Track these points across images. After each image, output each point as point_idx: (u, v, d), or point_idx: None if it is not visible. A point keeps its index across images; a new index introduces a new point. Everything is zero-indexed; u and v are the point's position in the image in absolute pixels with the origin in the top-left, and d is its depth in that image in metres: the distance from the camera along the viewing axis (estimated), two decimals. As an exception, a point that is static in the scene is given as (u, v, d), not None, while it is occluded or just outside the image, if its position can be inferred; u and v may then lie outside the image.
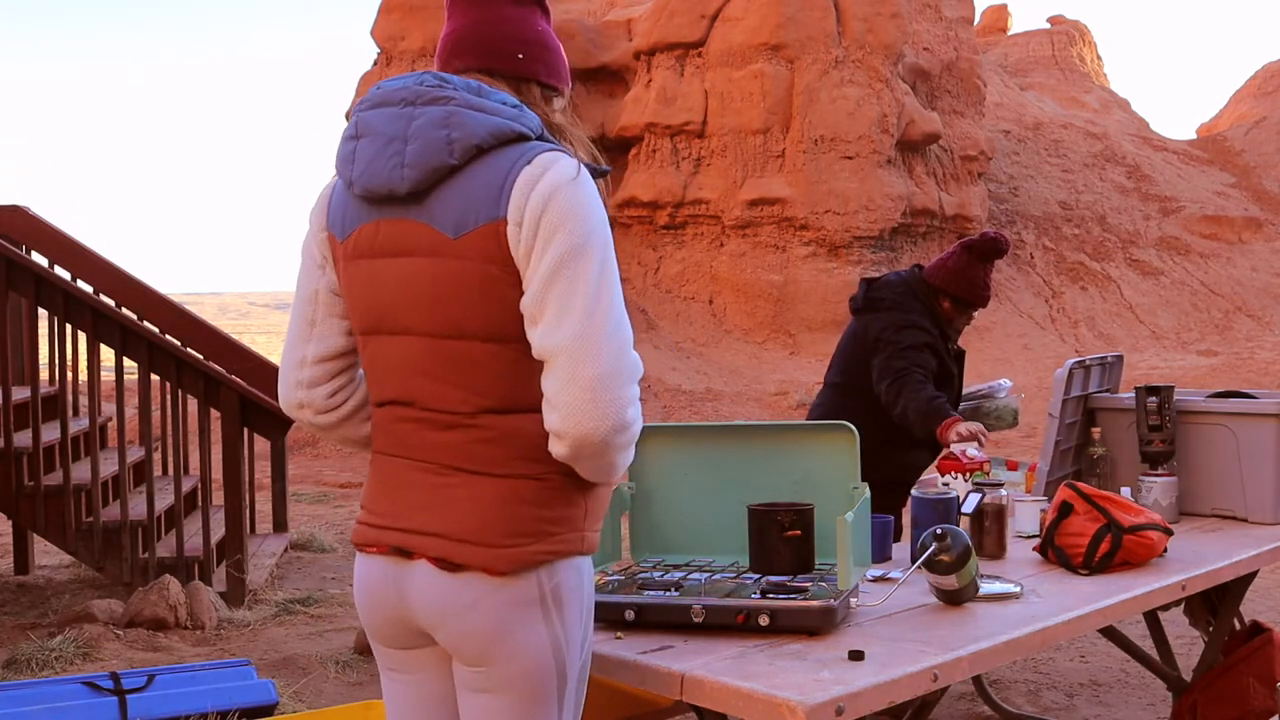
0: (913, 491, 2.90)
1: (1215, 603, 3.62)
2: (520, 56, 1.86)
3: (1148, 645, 3.89)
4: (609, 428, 1.66)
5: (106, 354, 5.86)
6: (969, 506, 2.91)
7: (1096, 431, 3.62)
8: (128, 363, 5.74)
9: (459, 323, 1.75)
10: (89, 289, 6.22)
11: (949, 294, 4.08)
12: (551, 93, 1.93)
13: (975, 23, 27.98)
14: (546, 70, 1.89)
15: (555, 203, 1.69)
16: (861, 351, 4.09)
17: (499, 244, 1.71)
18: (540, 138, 1.78)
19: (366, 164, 1.78)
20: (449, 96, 1.76)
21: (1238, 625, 3.77)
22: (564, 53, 1.97)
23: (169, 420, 6.52)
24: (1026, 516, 3.23)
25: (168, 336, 6.18)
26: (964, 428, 3.72)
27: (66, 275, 6.39)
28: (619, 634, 2.26)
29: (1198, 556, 2.97)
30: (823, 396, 4.28)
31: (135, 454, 6.33)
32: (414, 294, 1.77)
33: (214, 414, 5.82)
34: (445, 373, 1.78)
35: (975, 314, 4.13)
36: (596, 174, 1.81)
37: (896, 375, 3.91)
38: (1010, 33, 40.01)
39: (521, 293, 1.72)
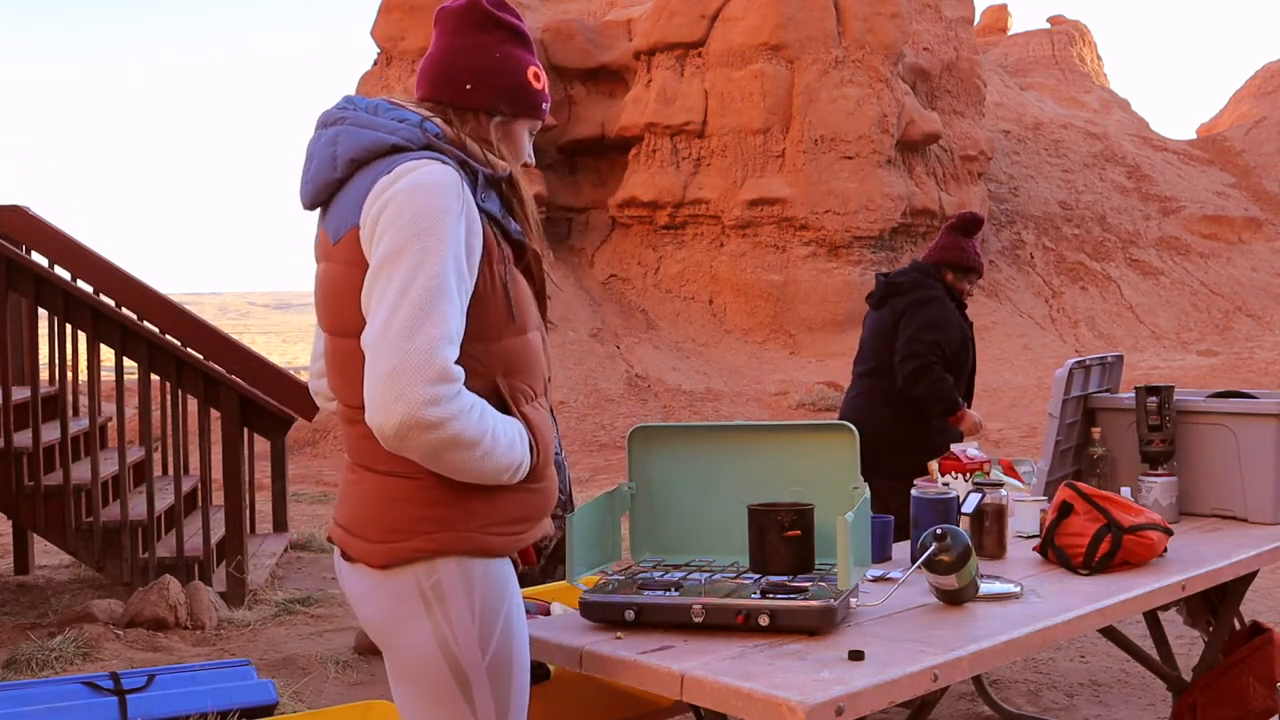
0: (913, 492, 2.90)
1: (1215, 603, 3.62)
2: (468, 88, 2.00)
3: (1148, 645, 3.89)
4: (399, 421, 1.74)
5: (106, 354, 5.86)
6: (969, 506, 2.90)
7: (1096, 431, 3.62)
8: (128, 363, 5.74)
9: (341, 321, 1.91)
10: (89, 289, 6.22)
11: (948, 266, 4.53)
12: (500, 117, 2.02)
13: (975, 23, 27.98)
14: (495, 97, 2.01)
15: (389, 208, 1.82)
16: (891, 339, 4.43)
17: (356, 249, 1.86)
18: (428, 147, 1.90)
19: (301, 181, 2.01)
20: (343, 117, 1.95)
21: (1237, 625, 3.77)
22: (527, 74, 2.04)
23: (169, 420, 6.52)
24: (1026, 516, 3.23)
25: (168, 336, 6.18)
26: (972, 424, 4.40)
27: (66, 275, 6.39)
28: (619, 634, 2.26)
29: (1198, 556, 2.97)
30: (860, 385, 4.58)
31: (135, 454, 6.33)
32: (320, 295, 1.98)
33: (214, 414, 5.82)
34: (340, 367, 1.95)
35: (977, 281, 4.63)
36: (492, 180, 1.94)
37: (919, 363, 4.33)
38: (1010, 33, 39.99)
39: None
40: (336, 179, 1.92)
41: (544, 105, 2.06)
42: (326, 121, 1.98)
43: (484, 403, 1.86)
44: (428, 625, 1.88)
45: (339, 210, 1.91)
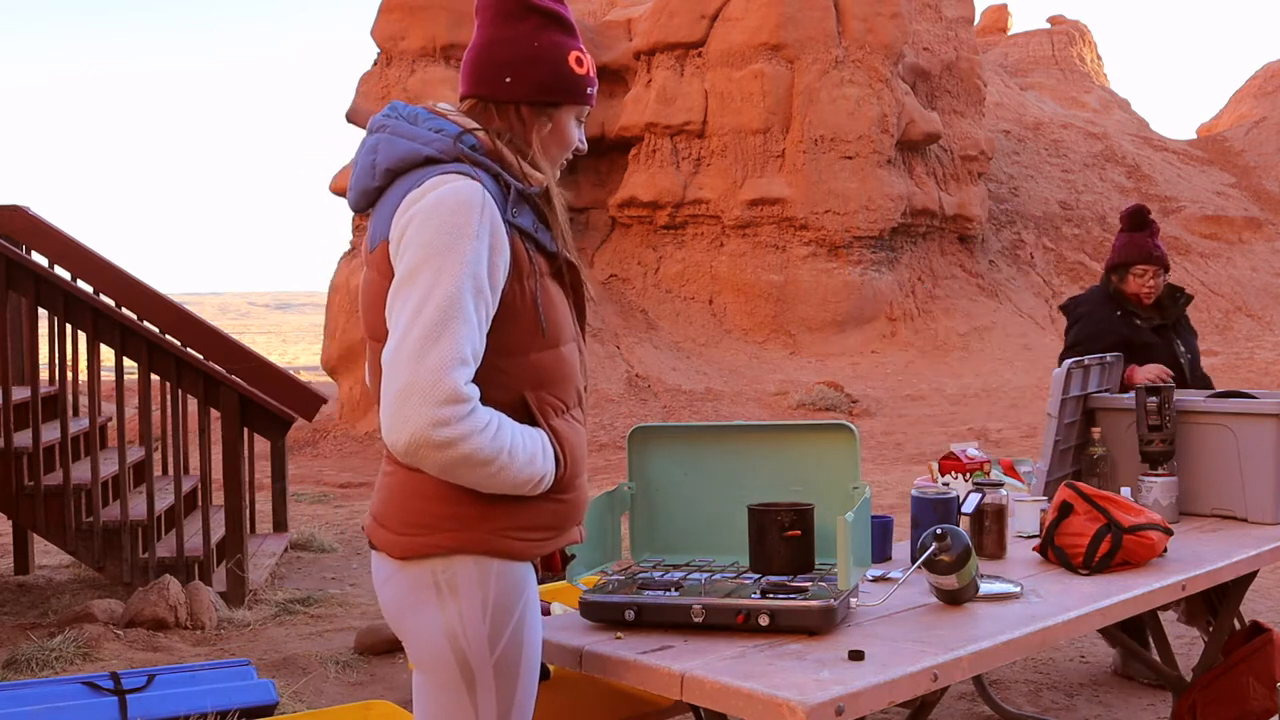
0: (912, 492, 2.90)
1: (1215, 603, 3.62)
2: (507, 80, 1.98)
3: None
4: (409, 440, 1.77)
5: (106, 354, 5.86)
6: (969, 506, 2.90)
7: (1096, 431, 3.62)
8: (128, 363, 5.74)
9: (374, 327, 1.94)
10: (89, 289, 6.22)
11: (1109, 269, 4.50)
12: (543, 109, 2.00)
13: (975, 23, 27.96)
14: (535, 88, 1.98)
15: (412, 225, 1.83)
16: None
17: (387, 259, 1.88)
18: (461, 158, 1.89)
19: (349, 186, 2.03)
20: (385, 125, 1.96)
21: (1237, 625, 3.77)
22: (569, 60, 2.00)
23: (169, 420, 6.52)
24: (1026, 516, 3.23)
25: (168, 336, 6.18)
26: (1145, 371, 4.13)
27: (66, 275, 6.39)
28: (619, 634, 2.26)
29: (1198, 556, 2.97)
30: None
31: (135, 454, 6.33)
32: (359, 299, 2.01)
33: (214, 414, 5.82)
34: (377, 369, 1.95)
35: (1149, 271, 4.38)
36: (524, 194, 1.93)
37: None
38: (1010, 33, 39.96)
39: None
40: (375, 187, 1.95)
41: (589, 90, 2.03)
42: (371, 128, 2.00)
43: (502, 419, 1.86)
44: (439, 616, 1.91)
45: (377, 219, 1.94)
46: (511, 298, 1.89)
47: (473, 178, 1.86)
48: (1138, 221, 4.46)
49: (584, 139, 2.09)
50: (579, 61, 2.01)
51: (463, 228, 1.81)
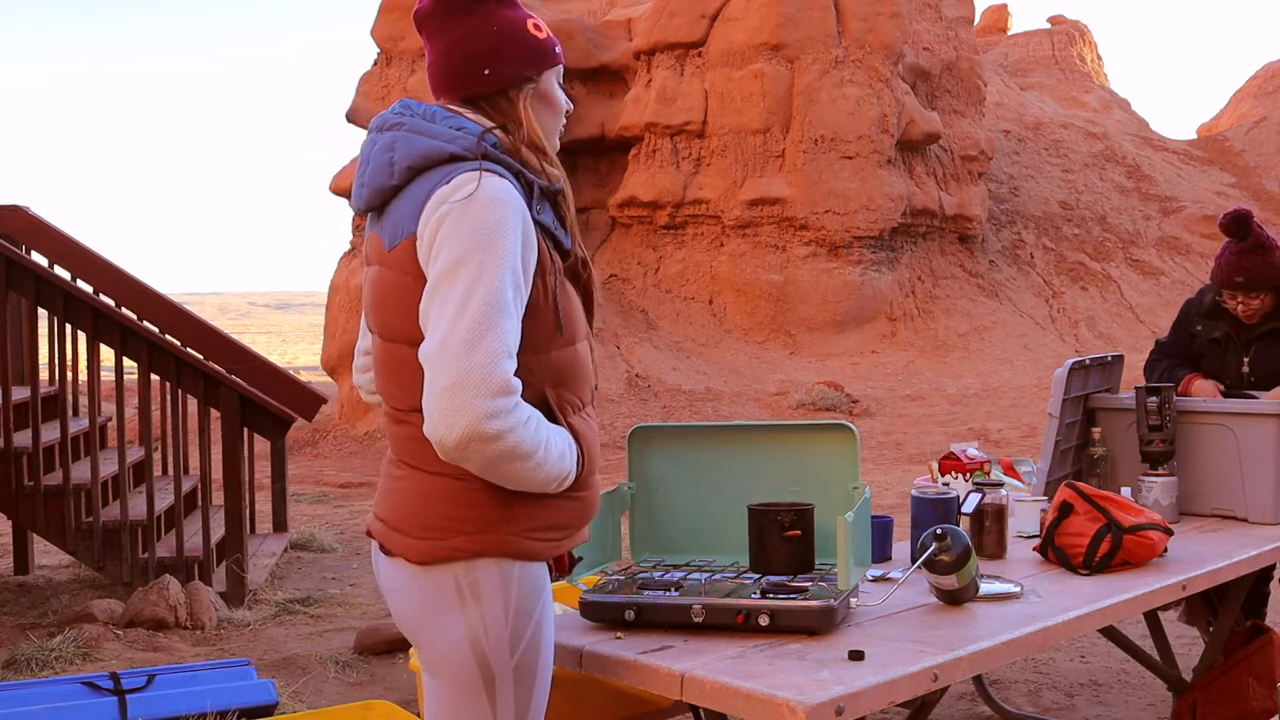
0: (912, 492, 2.90)
1: (1215, 603, 3.62)
2: (486, 72, 1.98)
3: (1148, 645, 3.89)
4: (459, 435, 1.76)
5: (106, 354, 5.86)
6: (969, 506, 2.90)
7: (1096, 431, 3.62)
8: (128, 363, 5.74)
9: (390, 327, 1.92)
10: (89, 289, 6.21)
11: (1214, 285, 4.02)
12: (528, 84, 2.00)
13: (975, 23, 27.96)
14: (513, 69, 1.98)
15: (447, 221, 1.82)
16: None
17: (412, 257, 1.86)
18: (485, 156, 1.88)
19: (353, 184, 2.00)
20: (401, 123, 1.94)
21: (1237, 625, 3.77)
22: (529, 31, 2.00)
23: (169, 420, 6.51)
24: (1026, 516, 3.23)
25: (168, 336, 6.17)
26: (1197, 384, 3.87)
27: (66, 275, 6.39)
28: (619, 634, 2.26)
29: (1198, 556, 2.97)
30: None
31: (135, 454, 6.33)
32: (371, 298, 1.99)
33: (214, 414, 5.82)
34: (389, 371, 1.96)
35: (1239, 297, 3.89)
36: (547, 192, 1.94)
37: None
38: (1010, 33, 39.96)
39: None
40: (393, 185, 1.92)
41: (557, 49, 2.04)
42: (383, 126, 1.97)
43: (538, 414, 1.87)
44: (461, 621, 1.90)
45: (395, 216, 1.91)
46: (534, 295, 1.89)
47: (502, 176, 1.87)
48: (1232, 232, 3.88)
49: (569, 101, 2.09)
50: (537, 27, 2.03)
51: (502, 223, 1.82)
